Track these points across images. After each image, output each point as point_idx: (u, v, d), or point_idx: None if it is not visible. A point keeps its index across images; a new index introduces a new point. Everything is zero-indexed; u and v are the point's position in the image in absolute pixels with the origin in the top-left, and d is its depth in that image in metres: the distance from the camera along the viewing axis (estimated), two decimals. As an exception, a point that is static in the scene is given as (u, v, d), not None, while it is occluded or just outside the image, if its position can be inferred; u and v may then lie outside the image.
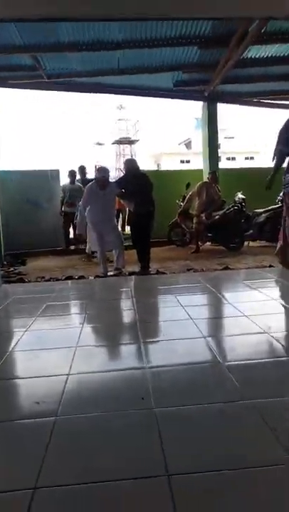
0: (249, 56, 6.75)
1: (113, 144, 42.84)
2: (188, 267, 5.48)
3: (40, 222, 7.95)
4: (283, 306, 2.69)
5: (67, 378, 1.69)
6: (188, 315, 2.53)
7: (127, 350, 2.06)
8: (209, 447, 1.19)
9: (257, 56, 6.83)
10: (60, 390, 1.57)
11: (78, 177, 8.02)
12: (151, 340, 2.17)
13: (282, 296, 3.03)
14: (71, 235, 8.04)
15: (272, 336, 2.05)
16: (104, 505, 0.99)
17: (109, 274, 4.86)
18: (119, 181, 5.36)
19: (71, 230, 7.98)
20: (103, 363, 1.96)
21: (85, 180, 7.63)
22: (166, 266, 5.37)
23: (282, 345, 1.94)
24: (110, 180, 5.27)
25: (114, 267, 5.01)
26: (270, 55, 6.78)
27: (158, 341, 2.14)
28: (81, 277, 4.75)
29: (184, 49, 6.33)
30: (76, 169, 8.12)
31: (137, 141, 41.68)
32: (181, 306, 2.79)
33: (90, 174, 8.16)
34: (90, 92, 8.18)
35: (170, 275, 4.46)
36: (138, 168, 5.40)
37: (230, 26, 5.66)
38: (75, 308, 3.19)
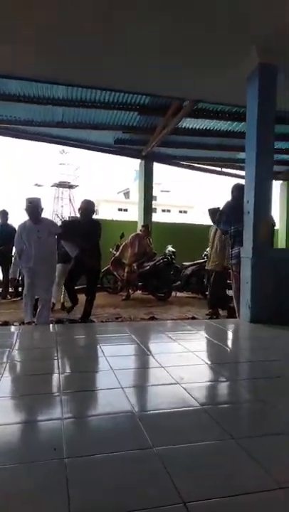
0: (183, 126, 7.57)
1: (52, 186, 43.02)
2: (117, 315, 5.61)
3: None
4: (198, 358, 2.92)
5: (-20, 430, 1.68)
6: (110, 365, 2.64)
7: (45, 401, 2.09)
8: (109, 490, 1.29)
9: (190, 127, 7.68)
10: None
11: None
12: (71, 391, 2.22)
13: (198, 349, 3.27)
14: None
15: (182, 387, 2.23)
16: None
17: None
18: (67, 222, 5.18)
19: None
20: (19, 414, 1.97)
21: (3, 226, 7.34)
22: (96, 313, 5.45)
23: (191, 396, 2.12)
24: (48, 218, 4.83)
25: (35, 321, 4.42)
26: (202, 127, 7.67)
27: (77, 392, 2.21)
28: (5, 323, 4.63)
29: (124, 113, 6.92)
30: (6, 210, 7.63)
31: (77, 186, 42.40)
32: (104, 356, 2.90)
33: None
34: (33, 140, 8.44)
35: (98, 324, 4.55)
36: (93, 212, 5.13)
37: (167, 100, 6.39)
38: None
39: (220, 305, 5.70)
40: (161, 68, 4.64)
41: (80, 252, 4.70)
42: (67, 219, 5.23)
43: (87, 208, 4.94)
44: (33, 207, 4.41)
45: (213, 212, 5.54)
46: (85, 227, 4.78)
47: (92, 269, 4.78)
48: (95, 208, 5.06)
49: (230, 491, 1.30)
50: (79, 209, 5.04)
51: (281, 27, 3.77)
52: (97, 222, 5.09)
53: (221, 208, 5.07)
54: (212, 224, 5.74)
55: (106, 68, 4.68)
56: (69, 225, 5.17)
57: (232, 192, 4.92)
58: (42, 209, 4.53)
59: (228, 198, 4.98)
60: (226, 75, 4.61)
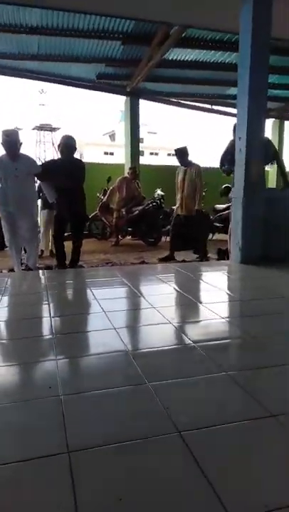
0: (170, 58, 7.03)
1: (33, 129, 40.99)
2: (107, 260, 5.60)
3: None
4: (188, 298, 2.94)
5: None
6: (102, 308, 2.64)
7: (38, 343, 2.10)
8: (106, 422, 1.32)
9: (178, 59, 7.14)
10: None
11: None
12: (65, 333, 2.23)
13: (189, 290, 3.30)
14: None
15: (174, 326, 2.26)
16: (6, 488, 1.06)
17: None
18: (47, 162, 4.56)
19: None
20: (12, 356, 1.98)
21: None
22: (85, 259, 5.41)
23: (183, 334, 2.15)
24: (26, 154, 4.32)
25: (24, 264, 4.42)
26: (189, 58, 7.14)
27: (69, 334, 2.22)
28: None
29: (106, 42, 6.37)
30: None
31: (59, 128, 40.41)
32: (96, 299, 2.90)
33: None
34: (8, 75, 7.81)
35: (88, 269, 4.52)
36: (75, 149, 4.53)
37: (152, 27, 5.85)
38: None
39: (199, 249, 5.58)
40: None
41: (62, 196, 4.35)
42: (52, 159, 4.71)
43: (68, 143, 4.42)
44: (11, 141, 3.99)
45: (181, 152, 5.35)
46: (67, 167, 4.32)
47: (76, 214, 4.48)
48: (77, 146, 4.57)
49: (223, 420, 1.35)
50: (58, 145, 4.53)
51: None
52: (80, 161, 4.65)
53: (225, 148, 4.77)
54: (179, 166, 5.46)
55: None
56: (49, 165, 4.48)
57: (234, 131, 4.64)
58: (21, 143, 4.11)
59: (229, 137, 4.71)
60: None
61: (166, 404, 1.43)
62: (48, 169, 4.31)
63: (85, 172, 4.42)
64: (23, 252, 4.49)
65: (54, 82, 8.16)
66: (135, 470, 1.12)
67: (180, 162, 5.44)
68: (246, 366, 1.80)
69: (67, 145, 4.39)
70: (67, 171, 4.26)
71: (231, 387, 1.58)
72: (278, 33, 4.64)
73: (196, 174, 5.29)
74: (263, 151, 4.25)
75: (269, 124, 10.47)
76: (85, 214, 4.81)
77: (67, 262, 4.55)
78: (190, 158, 5.41)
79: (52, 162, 4.44)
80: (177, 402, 1.46)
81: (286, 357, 1.87)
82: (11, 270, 4.44)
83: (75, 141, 4.47)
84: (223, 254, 5.14)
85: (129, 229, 7.47)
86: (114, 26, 5.82)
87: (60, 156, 4.47)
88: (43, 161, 4.43)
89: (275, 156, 4.75)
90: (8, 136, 3.99)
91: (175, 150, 5.48)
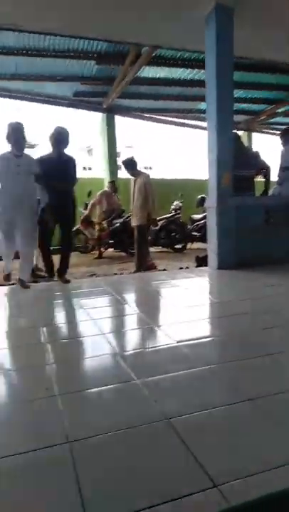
0: (143, 75, 7.33)
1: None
2: (91, 272, 5.71)
3: None
4: (170, 303, 3.10)
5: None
6: (89, 316, 2.77)
7: (33, 349, 2.21)
8: (100, 415, 1.45)
9: (150, 76, 7.45)
10: None
11: None
12: (54, 340, 2.35)
13: (170, 295, 3.46)
14: None
15: (156, 328, 2.42)
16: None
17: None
18: (42, 160, 4.04)
19: None
20: (12, 363, 2.08)
21: None
22: (70, 272, 5.50)
23: (167, 335, 2.31)
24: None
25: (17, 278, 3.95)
26: (161, 76, 7.46)
27: (60, 340, 2.34)
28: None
29: (82, 62, 6.59)
30: None
31: (37, 145, 40.41)
32: (83, 308, 3.02)
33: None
34: (-15, 95, 7.89)
35: (73, 281, 4.63)
36: (68, 143, 4.09)
37: (125, 47, 6.12)
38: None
39: (145, 264, 5.40)
40: (115, 11, 4.39)
41: (53, 198, 3.94)
42: (42, 156, 4.14)
43: (60, 137, 4.00)
44: (19, 131, 3.72)
45: (126, 164, 5.41)
46: (62, 165, 3.97)
47: (68, 217, 4.13)
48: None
49: (206, 407, 1.50)
50: (50, 138, 4.06)
51: None
52: (72, 158, 4.15)
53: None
54: (131, 177, 5.47)
55: (58, 11, 4.37)
56: (45, 163, 3.97)
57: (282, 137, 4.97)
58: (25, 139, 3.80)
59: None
60: (183, 17, 4.46)
61: (155, 397, 1.58)
62: (45, 169, 3.90)
63: (75, 172, 4.12)
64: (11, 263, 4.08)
65: (31, 101, 8.31)
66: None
67: (129, 173, 5.54)
68: (223, 360, 1.97)
69: (60, 138, 4.00)
70: (61, 170, 3.94)
71: (212, 380, 1.74)
72: (241, 52, 4.99)
73: (145, 184, 5.23)
74: (232, 161, 4.48)
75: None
76: (75, 217, 4.51)
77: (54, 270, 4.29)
78: (139, 168, 5.44)
79: (46, 160, 4.00)
80: (164, 394, 1.61)
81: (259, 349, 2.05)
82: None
83: (68, 133, 4.08)
84: (201, 261, 5.35)
85: (111, 241, 7.62)
86: (89, 47, 6.06)
87: (51, 151, 4.09)
88: (39, 157, 4.08)
89: (263, 166, 5.02)
90: (17, 127, 3.73)
91: (122, 162, 5.50)
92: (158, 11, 4.44)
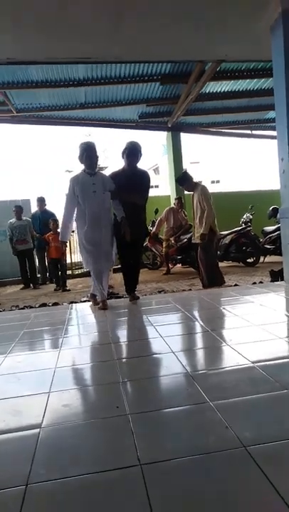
0: (207, 91, 7.33)
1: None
2: (160, 289, 5.72)
3: (6, 251, 7.63)
4: (244, 320, 2.95)
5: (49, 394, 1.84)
6: (159, 333, 2.74)
7: (103, 367, 2.23)
8: (179, 436, 1.39)
9: (214, 91, 7.43)
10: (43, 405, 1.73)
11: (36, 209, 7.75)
12: (126, 357, 2.35)
13: (244, 312, 3.29)
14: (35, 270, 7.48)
15: (232, 348, 2.29)
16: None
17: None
18: (115, 175, 3.95)
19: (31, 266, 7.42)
20: (83, 380, 2.12)
21: (44, 213, 7.54)
22: (139, 289, 5.57)
23: (241, 355, 2.18)
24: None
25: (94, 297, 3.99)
26: (226, 89, 7.40)
27: (131, 358, 2.33)
28: (55, 304, 4.87)
29: (146, 85, 6.82)
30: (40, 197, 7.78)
31: (107, 167, 42.40)
32: (152, 325, 3.00)
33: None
34: (58, 124, 8.53)
35: (143, 298, 4.66)
36: (140, 156, 3.99)
37: (188, 66, 6.20)
38: (50, 334, 3.32)
39: (216, 282, 5.06)
40: (177, 31, 4.46)
41: (130, 211, 3.80)
42: (115, 171, 4.05)
43: (133, 150, 3.89)
44: (93, 150, 3.70)
45: (181, 180, 5.18)
46: (136, 178, 3.87)
47: (141, 231, 4.06)
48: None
49: (286, 436, 1.36)
50: (123, 152, 3.95)
51: None
52: (146, 172, 4.09)
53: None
54: (191, 192, 5.20)
55: (121, 40, 4.55)
56: (118, 177, 3.87)
57: None
58: (97, 157, 3.78)
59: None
60: (248, 28, 4.39)
61: (229, 421, 1.47)
62: (119, 185, 3.82)
63: (148, 188, 4.03)
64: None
65: (100, 126, 8.78)
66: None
67: (185, 189, 5.39)
68: (309, 384, 1.78)
69: (133, 152, 3.90)
70: (136, 184, 3.86)
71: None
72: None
73: (201, 196, 4.93)
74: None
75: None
76: (147, 233, 4.45)
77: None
78: (195, 180, 5.17)
79: (119, 174, 3.93)
80: (238, 418, 1.49)
81: None
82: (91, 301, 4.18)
83: (140, 147, 3.98)
84: (276, 276, 5.05)
85: (179, 257, 7.59)
86: (153, 70, 6.26)
87: (125, 164, 3.99)
88: (112, 173, 4.01)
89: None
90: (89, 145, 3.73)
91: (176, 180, 5.31)
92: (222, 27, 4.41)
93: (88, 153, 3.68)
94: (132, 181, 3.83)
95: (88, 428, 1.54)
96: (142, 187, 3.92)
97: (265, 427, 1.44)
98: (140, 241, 4.15)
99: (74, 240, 8.63)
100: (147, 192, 4.01)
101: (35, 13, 3.84)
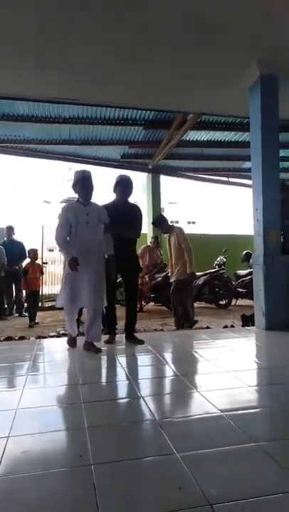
0: (188, 138, 7.70)
1: (61, 202, 43.45)
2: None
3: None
4: (215, 366, 2.93)
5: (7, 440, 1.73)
6: (128, 375, 2.67)
7: (69, 410, 2.13)
8: (144, 491, 1.32)
9: (195, 139, 7.81)
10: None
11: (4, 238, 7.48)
12: (92, 401, 2.26)
13: (214, 357, 3.28)
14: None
15: (202, 395, 2.26)
16: None
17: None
18: (108, 207, 3.73)
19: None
20: (46, 424, 2.01)
21: (11, 243, 7.33)
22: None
23: (210, 403, 2.14)
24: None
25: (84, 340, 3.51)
26: (205, 138, 7.80)
27: (99, 401, 2.24)
28: (21, 338, 4.70)
29: (130, 128, 7.08)
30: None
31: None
32: (122, 367, 2.93)
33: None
34: (41, 158, 8.65)
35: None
36: (132, 191, 3.91)
37: (171, 114, 6.53)
38: (14, 371, 3.17)
39: (184, 321, 5.16)
40: (164, 84, 4.74)
41: (120, 246, 3.61)
42: (107, 203, 3.85)
43: (125, 184, 3.81)
44: (88, 179, 3.49)
45: (157, 222, 5.38)
46: (128, 212, 3.78)
47: (134, 266, 3.89)
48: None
49: (257, 493, 1.32)
50: (115, 186, 3.87)
51: (281, 39, 3.86)
52: (137, 207, 3.99)
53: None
54: (165, 234, 5.42)
55: (110, 87, 4.81)
56: (110, 210, 3.66)
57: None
58: (92, 186, 3.54)
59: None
60: (228, 87, 4.72)
61: (195, 475, 1.42)
62: (112, 218, 3.61)
63: (141, 224, 3.91)
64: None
65: (82, 163, 8.94)
66: None
67: (161, 231, 5.53)
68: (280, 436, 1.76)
69: (125, 186, 3.82)
70: (129, 218, 3.74)
71: (264, 459, 1.55)
72: (287, 113, 5.08)
73: (180, 236, 5.12)
74: (279, 219, 4.38)
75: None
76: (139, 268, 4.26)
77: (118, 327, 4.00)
78: (170, 223, 5.36)
79: (112, 207, 3.74)
80: (205, 471, 1.45)
81: None
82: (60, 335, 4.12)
83: (132, 182, 3.90)
84: (247, 320, 5.11)
85: (152, 295, 7.58)
86: (137, 115, 6.53)
87: (116, 198, 3.90)
88: (105, 205, 3.78)
89: None
90: (84, 174, 3.54)
91: (152, 222, 5.47)
92: (203, 83, 4.73)
93: (83, 182, 3.48)
94: (124, 214, 3.73)
95: (47, 480, 1.44)
96: (136, 221, 3.83)
97: (232, 483, 1.40)
98: (134, 276, 3.93)
99: (47, 271, 8.53)
100: (140, 225, 3.91)
101: (24, 49, 3.98)
